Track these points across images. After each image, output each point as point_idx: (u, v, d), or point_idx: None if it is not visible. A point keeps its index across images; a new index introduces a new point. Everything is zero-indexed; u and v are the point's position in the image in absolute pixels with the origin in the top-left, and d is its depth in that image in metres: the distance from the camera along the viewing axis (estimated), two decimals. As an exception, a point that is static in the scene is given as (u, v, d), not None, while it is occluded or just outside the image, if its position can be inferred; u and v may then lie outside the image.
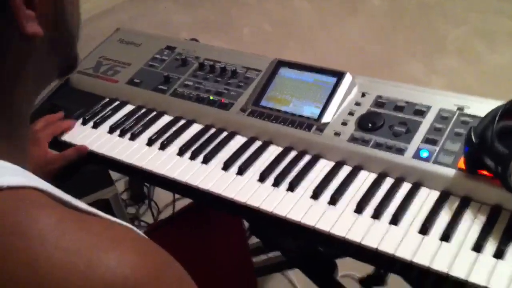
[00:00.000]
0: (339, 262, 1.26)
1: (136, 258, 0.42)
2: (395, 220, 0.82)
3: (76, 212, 0.45)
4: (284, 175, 0.93)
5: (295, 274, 1.69)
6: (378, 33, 2.93)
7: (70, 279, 0.39)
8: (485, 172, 0.83)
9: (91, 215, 0.46)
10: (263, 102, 1.05)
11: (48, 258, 0.40)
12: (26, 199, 0.43)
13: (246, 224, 1.38)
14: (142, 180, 1.85)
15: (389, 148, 0.91)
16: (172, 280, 0.44)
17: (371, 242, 0.80)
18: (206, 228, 1.11)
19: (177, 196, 1.95)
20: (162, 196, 1.98)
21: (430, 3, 3.11)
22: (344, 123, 0.97)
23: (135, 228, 0.48)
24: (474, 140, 0.81)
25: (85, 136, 1.08)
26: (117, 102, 1.17)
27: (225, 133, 1.05)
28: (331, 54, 2.78)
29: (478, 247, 0.76)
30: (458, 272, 0.73)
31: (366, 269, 1.14)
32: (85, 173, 1.18)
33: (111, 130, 1.10)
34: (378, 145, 0.92)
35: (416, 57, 2.71)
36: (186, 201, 1.93)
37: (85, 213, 0.46)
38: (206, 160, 0.99)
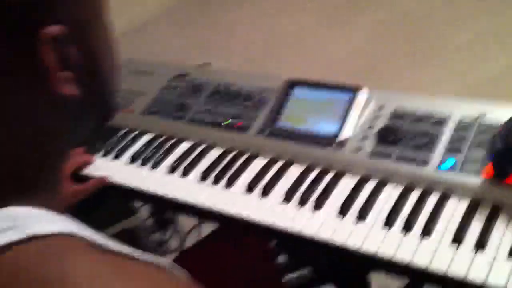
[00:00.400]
0: (373, 277, 1.25)
1: None
2: (427, 231, 0.81)
3: (113, 256, 0.44)
4: (308, 194, 0.93)
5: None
6: (381, 42, 2.94)
7: None
8: (513, 178, 0.82)
9: (126, 258, 0.45)
10: (280, 123, 1.06)
11: None
12: (62, 246, 0.42)
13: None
14: (166, 208, 1.85)
15: (412, 160, 0.91)
16: None
17: (403, 256, 0.79)
18: (233, 252, 1.10)
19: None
20: (187, 220, 1.97)
21: (432, 10, 3.13)
22: (364, 138, 0.97)
23: (173, 268, 0.46)
24: (499, 146, 0.81)
25: (107, 167, 1.09)
26: (136, 132, 1.17)
27: (245, 156, 1.05)
28: (331, 66, 2.79)
29: (514, 255, 0.75)
30: (496, 282, 0.72)
31: (400, 281, 1.13)
32: (107, 203, 1.18)
33: (133, 159, 1.10)
34: (400, 158, 0.92)
35: (421, 64, 2.71)
36: (212, 224, 1.93)
37: (119, 256, 0.45)
38: (229, 184, 0.99)
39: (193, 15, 3.67)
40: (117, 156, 1.11)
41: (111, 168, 1.08)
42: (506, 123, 0.84)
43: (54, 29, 0.43)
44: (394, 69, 2.70)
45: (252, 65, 2.80)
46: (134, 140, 1.15)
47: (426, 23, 3.02)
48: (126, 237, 1.43)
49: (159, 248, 1.87)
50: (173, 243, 1.94)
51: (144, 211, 1.84)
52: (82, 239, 0.44)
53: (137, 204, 1.59)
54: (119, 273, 0.42)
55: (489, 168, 0.85)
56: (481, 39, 2.80)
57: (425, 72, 2.65)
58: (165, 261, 0.47)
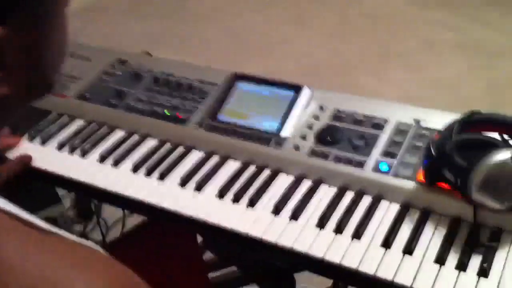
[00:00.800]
0: (297, 276, 1.25)
1: (105, 282, 0.40)
2: (357, 234, 0.81)
3: (39, 233, 0.43)
4: (244, 191, 0.91)
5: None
6: (329, 44, 2.98)
7: None
8: (444, 185, 0.83)
9: (54, 235, 0.44)
10: (221, 116, 1.03)
11: (16, 284, 0.38)
12: None
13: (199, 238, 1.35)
14: (95, 198, 1.78)
15: (349, 162, 0.91)
16: None
17: (333, 257, 0.79)
18: (161, 245, 1.07)
19: (127, 211, 1.89)
20: (110, 212, 1.91)
21: (378, 15, 3.20)
22: (303, 137, 0.96)
23: (100, 249, 0.45)
24: (433, 153, 0.82)
25: (32, 153, 1.02)
26: (66, 118, 1.12)
27: (181, 148, 1.02)
28: (284, 65, 2.80)
29: (440, 260, 0.76)
30: (422, 285, 0.73)
31: (323, 282, 1.13)
32: (31, 190, 1.13)
33: (60, 146, 1.04)
34: (338, 159, 0.92)
35: (366, 68, 2.77)
36: (136, 217, 1.88)
37: (48, 233, 0.44)
38: (162, 177, 0.95)
39: (157, 2, 3.56)
40: (44, 142, 1.05)
41: (37, 153, 1.02)
42: (440, 131, 0.85)
43: None
44: (338, 72, 2.74)
45: (207, 60, 2.75)
46: (64, 126, 1.09)
47: (388, 23, 3.09)
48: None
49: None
50: (95, 235, 1.88)
51: (66, 200, 1.77)
52: (7, 213, 0.43)
53: (61, 192, 1.52)
54: (48, 251, 0.41)
55: (421, 173, 0.86)
56: (424, 47, 2.89)
57: (372, 76, 2.70)
58: (91, 243, 0.46)
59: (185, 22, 3.27)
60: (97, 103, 1.11)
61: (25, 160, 1.00)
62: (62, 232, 0.45)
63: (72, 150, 1.03)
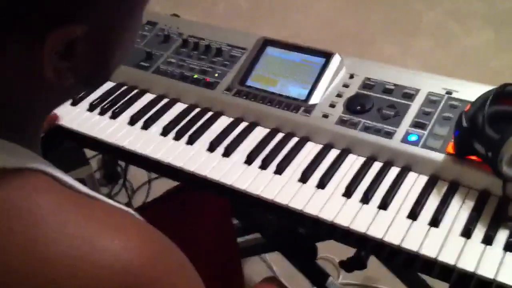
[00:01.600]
0: (319, 244, 1.27)
1: (140, 244, 0.43)
2: (384, 205, 0.81)
3: (79, 196, 0.45)
4: (271, 158, 0.92)
5: (272, 257, 1.69)
6: (354, 12, 2.92)
7: (75, 265, 0.40)
8: (473, 157, 0.83)
9: (92, 199, 0.46)
10: (249, 82, 1.03)
11: (49, 244, 0.40)
12: (30, 182, 0.43)
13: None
14: (124, 161, 1.82)
15: (377, 132, 0.90)
16: (174, 265, 0.45)
17: (359, 226, 0.79)
18: (193, 209, 1.10)
19: (153, 175, 1.92)
20: (136, 175, 1.94)
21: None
22: (332, 105, 0.96)
23: (134, 213, 0.48)
24: (465, 124, 0.81)
25: (63, 113, 1.04)
26: (97, 79, 1.13)
27: (210, 113, 1.02)
28: (306, 30, 2.76)
29: (467, 233, 0.76)
30: (448, 258, 0.73)
31: (344, 252, 1.14)
32: (60, 151, 1.15)
33: (91, 107, 1.06)
34: (366, 128, 0.91)
35: (391, 37, 2.71)
36: (162, 180, 1.91)
37: (86, 196, 0.46)
38: (191, 141, 0.96)
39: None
40: (75, 102, 1.07)
41: (68, 114, 1.04)
42: (472, 103, 0.84)
43: (76, 30, 0.43)
44: (362, 40, 2.69)
45: (222, 22, 2.73)
46: (95, 87, 1.11)
47: None
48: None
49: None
50: (121, 198, 1.92)
51: (93, 163, 1.81)
52: (52, 176, 0.45)
53: (88, 155, 1.56)
54: (87, 214, 0.43)
55: (451, 145, 0.85)
56: (447, 18, 2.81)
57: (396, 46, 2.65)
58: (128, 209, 0.48)
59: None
60: (128, 65, 1.12)
61: (52, 119, 1.01)
62: (99, 196, 0.47)
63: (102, 112, 1.04)
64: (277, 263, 1.67)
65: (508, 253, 0.73)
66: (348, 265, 1.07)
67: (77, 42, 0.44)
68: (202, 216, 1.10)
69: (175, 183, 1.09)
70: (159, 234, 0.46)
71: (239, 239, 1.59)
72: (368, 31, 2.77)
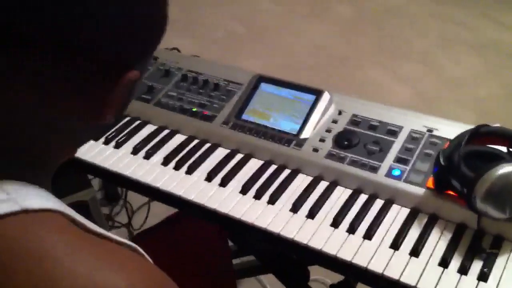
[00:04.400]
0: (311, 267, 1.32)
1: (139, 281, 0.46)
2: (368, 235, 0.88)
3: (90, 236, 0.49)
4: (265, 188, 0.98)
5: (268, 279, 1.74)
6: (344, 38, 3.01)
7: None
8: (451, 192, 0.90)
9: (100, 237, 0.50)
10: (245, 116, 1.10)
11: (62, 280, 0.43)
12: (47, 223, 0.47)
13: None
14: (127, 188, 1.87)
15: (363, 166, 0.98)
16: None
17: (345, 255, 0.86)
18: (190, 233, 1.15)
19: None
20: (136, 196, 1.99)
21: (394, 10, 3.21)
22: (322, 140, 1.03)
23: (140, 249, 0.52)
24: (442, 162, 0.88)
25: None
26: (101, 109, 1.20)
27: (208, 145, 1.09)
28: (299, 53, 2.84)
29: (444, 263, 0.82)
30: (425, 286, 0.80)
31: (336, 274, 1.20)
32: (63, 175, 1.20)
33: (96, 138, 1.12)
34: (353, 162, 0.98)
35: (380, 62, 2.79)
36: (160, 203, 1.96)
37: (95, 235, 0.49)
38: (190, 171, 1.03)
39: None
40: (82, 132, 1.13)
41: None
42: (450, 141, 0.91)
43: (135, 75, 0.49)
44: (352, 65, 2.76)
45: (215, 50, 2.80)
46: (100, 117, 1.17)
47: (404, 18, 3.09)
48: (79, 209, 1.45)
49: (107, 223, 1.89)
50: (121, 218, 1.97)
51: (94, 183, 1.85)
52: (67, 217, 0.48)
53: (90, 176, 1.61)
54: (96, 253, 0.46)
55: (431, 180, 0.92)
56: (440, 45, 2.90)
57: (385, 71, 2.73)
58: (132, 244, 0.52)
59: (198, 9, 3.30)
60: (129, 97, 1.19)
61: None
62: (110, 235, 0.50)
63: (107, 142, 1.11)
64: (272, 284, 1.72)
65: (481, 282, 0.80)
66: (338, 289, 1.13)
67: (136, 84, 0.50)
68: (200, 240, 1.15)
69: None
70: (159, 272, 0.49)
71: (236, 261, 1.65)
72: (358, 56, 2.86)
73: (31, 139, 0.52)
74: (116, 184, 1.68)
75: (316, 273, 1.60)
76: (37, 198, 0.48)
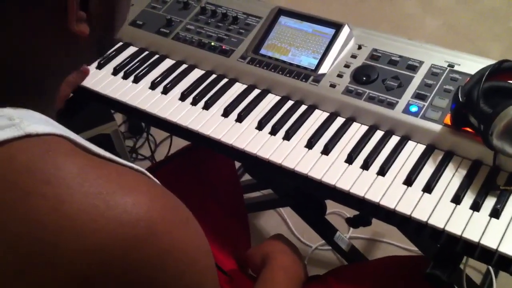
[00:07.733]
0: (328, 201, 1.34)
1: (149, 201, 0.48)
2: (382, 171, 0.88)
3: (97, 159, 0.50)
4: (281, 124, 0.98)
5: (287, 211, 1.78)
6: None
7: (93, 219, 0.44)
8: (468, 129, 0.88)
9: (109, 161, 0.51)
10: (263, 51, 1.09)
11: (73, 202, 0.45)
12: (52, 146, 0.48)
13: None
14: (146, 123, 1.90)
15: (381, 102, 0.96)
16: (179, 220, 0.50)
17: (358, 190, 0.87)
18: (204, 164, 1.17)
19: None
20: (158, 129, 2.03)
21: None
22: (340, 75, 1.02)
23: (147, 173, 0.53)
24: (461, 98, 0.86)
25: (89, 76, 1.12)
26: (120, 43, 1.20)
27: (225, 80, 1.09)
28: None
29: (456, 199, 0.83)
30: (437, 221, 0.80)
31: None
32: (87, 109, 1.23)
33: (115, 71, 1.13)
34: (371, 98, 0.97)
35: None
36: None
37: (104, 159, 0.51)
38: (207, 106, 1.03)
39: None
40: (99, 66, 1.14)
41: (93, 77, 1.12)
42: (471, 77, 0.89)
43: None
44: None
45: None
46: (118, 51, 1.18)
47: None
48: (102, 142, 1.49)
49: (130, 155, 1.94)
50: (145, 151, 2.02)
51: (118, 116, 1.88)
52: (71, 141, 0.49)
53: (113, 110, 1.63)
54: (103, 175, 0.47)
55: (449, 117, 0.91)
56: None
57: (417, 3, 2.63)
58: (139, 168, 0.53)
59: None
60: (149, 31, 1.18)
61: (85, 73, 1.09)
62: (117, 159, 0.52)
63: (125, 76, 1.12)
64: (291, 217, 1.76)
65: (493, 219, 0.80)
66: (354, 222, 1.15)
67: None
68: (214, 171, 1.18)
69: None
70: (167, 192, 0.51)
71: (256, 194, 1.68)
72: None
73: (19, 62, 0.53)
74: (136, 118, 1.70)
75: (334, 206, 1.63)
76: (40, 123, 0.49)
